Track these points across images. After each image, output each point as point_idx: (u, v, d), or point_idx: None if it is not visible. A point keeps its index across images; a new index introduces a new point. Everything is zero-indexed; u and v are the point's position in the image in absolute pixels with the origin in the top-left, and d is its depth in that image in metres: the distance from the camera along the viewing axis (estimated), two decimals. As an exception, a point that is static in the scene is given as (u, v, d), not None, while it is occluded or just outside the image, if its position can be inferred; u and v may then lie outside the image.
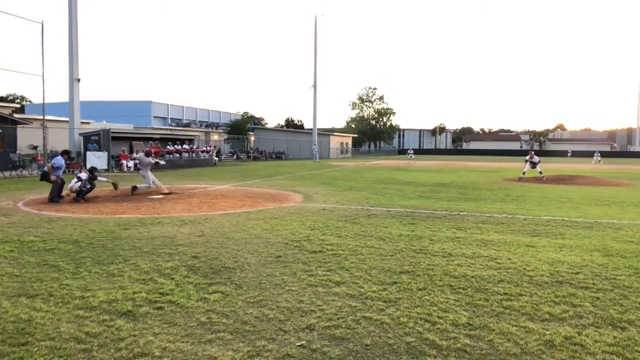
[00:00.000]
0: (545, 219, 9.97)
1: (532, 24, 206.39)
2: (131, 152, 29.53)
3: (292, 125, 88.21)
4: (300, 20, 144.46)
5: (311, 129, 59.26)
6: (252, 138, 62.21)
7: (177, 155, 33.07)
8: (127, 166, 27.01)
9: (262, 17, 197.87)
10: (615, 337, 3.78)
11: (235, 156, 50.70)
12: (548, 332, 3.87)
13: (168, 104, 75.39)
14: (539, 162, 23.52)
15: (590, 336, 3.80)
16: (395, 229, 8.47)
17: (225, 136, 59.85)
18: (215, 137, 55.73)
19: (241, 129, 64.26)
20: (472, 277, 5.45)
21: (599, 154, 50.13)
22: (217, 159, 38.48)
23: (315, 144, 51.78)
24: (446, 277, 5.44)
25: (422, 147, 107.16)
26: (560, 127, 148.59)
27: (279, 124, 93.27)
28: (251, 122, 73.28)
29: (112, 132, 28.66)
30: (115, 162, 27.55)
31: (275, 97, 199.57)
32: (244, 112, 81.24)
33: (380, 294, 4.78)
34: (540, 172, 22.63)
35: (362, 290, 4.91)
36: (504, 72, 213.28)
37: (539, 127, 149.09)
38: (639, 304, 4.60)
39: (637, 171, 32.87)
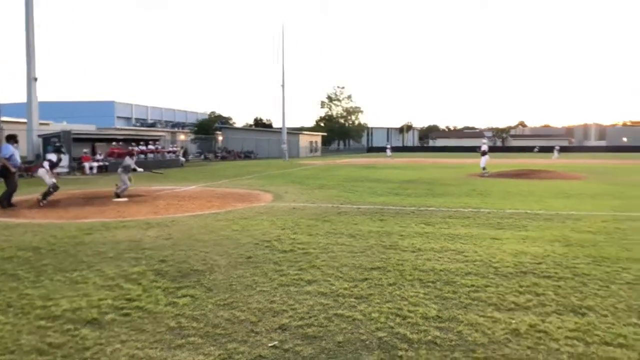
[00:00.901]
0: (508, 212, 10.24)
1: (492, 24, 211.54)
2: (94, 153, 28.73)
3: (260, 125, 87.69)
4: (268, 19, 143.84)
5: (280, 128, 59.08)
6: (220, 138, 61.52)
7: (143, 156, 32.38)
8: (89, 168, 26.26)
9: (228, 16, 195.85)
10: (576, 323, 3.93)
11: (202, 156, 50.05)
12: (514, 321, 3.98)
13: (132, 104, 73.75)
14: (487, 152, 23.10)
15: (553, 323, 3.93)
16: (365, 226, 8.53)
17: (192, 136, 58.98)
18: (182, 137, 54.87)
19: (208, 128, 63.44)
20: (441, 270, 5.55)
21: (558, 149, 51.77)
22: (184, 159, 37.89)
23: (284, 143, 51.58)
24: (416, 271, 5.52)
25: (386, 145, 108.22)
26: (522, 124, 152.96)
27: (247, 124, 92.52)
28: (219, 121, 72.44)
29: (73, 134, 27.78)
30: (77, 165, 26.72)
31: (243, 97, 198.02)
32: (211, 112, 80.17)
33: (351, 291, 4.81)
34: (484, 168, 22.38)
35: (334, 287, 4.93)
36: (467, 71, 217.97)
37: (501, 124, 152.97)
38: (597, 290, 4.79)
39: (593, 165, 34.20)
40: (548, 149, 63.02)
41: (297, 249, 6.73)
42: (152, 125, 70.62)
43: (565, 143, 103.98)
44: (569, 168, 28.18)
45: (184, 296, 4.70)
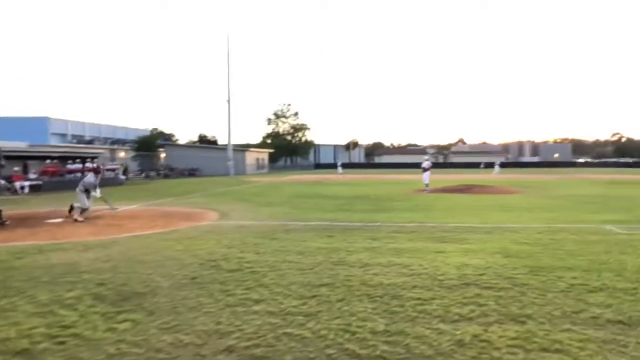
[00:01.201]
0: (451, 225, 10.59)
1: (430, 47, 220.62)
2: (25, 172, 27.15)
3: (205, 141, 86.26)
4: (212, 33, 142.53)
5: (226, 145, 58.39)
6: (163, 155, 59.93)
7: (79, 174, 30.94)
8: (20, 188, 24.76)
9: (170, 29, 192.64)
10: (516, 331, 4.09)
11: (144, 174, 48.48)
12: (458, 332, 4.10)
13: (68, 120, 70.51)
14: (429, 168, 23.43)
15: (495, 332, 4.08)
16: (313, 243, 8.54)
17: (133, 153, 57.10)
18: (122, 154, 53.01)
19: (150, 145, 61.64)
20: (388, 285, 5.64)
21: (499, 164, 54.38)
22: (124, 177, 36.54)
23: (230, 160, 50.84)
24: (363, 286, 5.57)
25: (336, 162, 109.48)
26: (461, 141, 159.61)
27: (191, 140, 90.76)
28: (161, 138, 70.64)
29: (3, 151, 26.09)
30: (6, 184, 25.11)
31: (187, 113, 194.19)
32: (153, 128, 78.14)
33: (300, 309, 4.78)
34: (427, 185, 22.66)
35: (282, 306, 4.88)
36: (410, 90, 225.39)
37: (442, 141, 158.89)
38: (535, 299, 5.03)
39: (528, 180, 36.13)
40: (492, 165, 65.81)
41: (244, 267, 6.63)
42: (90, 142, 67.80)
43: (502, 159, 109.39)
44: (506, 183, 29.60)
45: (125, 321, 4.50)
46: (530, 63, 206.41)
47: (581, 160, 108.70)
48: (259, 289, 5.54)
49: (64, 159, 31.91)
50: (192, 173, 52.70)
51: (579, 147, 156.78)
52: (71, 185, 26.66)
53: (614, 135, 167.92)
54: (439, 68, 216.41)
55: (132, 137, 77.08)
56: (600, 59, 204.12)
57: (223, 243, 8.64)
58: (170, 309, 4.86)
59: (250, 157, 66.00)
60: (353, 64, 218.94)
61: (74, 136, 69.38)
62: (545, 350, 3.74)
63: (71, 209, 12.59)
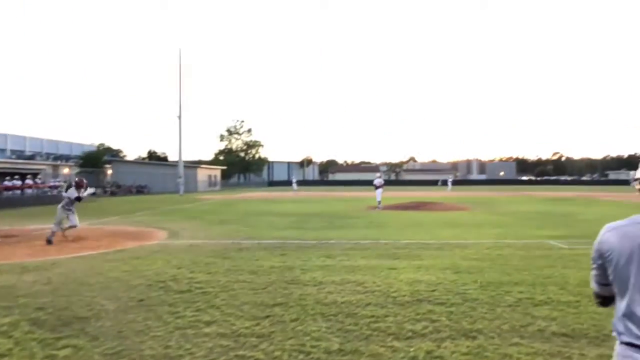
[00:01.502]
0: (404, 242, 10.76)
1: (382, 65, 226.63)
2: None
3: (155, 158, 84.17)
4: (163, 48, 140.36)
5: (176, 162, 57.14)
6: (110, 171, 57.88)
7: (19, 191, 29.34)
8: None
9: (119, 42, 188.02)
10: (468, 346, 4.17)
11: (89, 192, 46.57)
12: (412, 349, 4.12)
13: (7, 134, 66.95)
14: (381, 186, 23.74)
15: (447, 348, 4.14)
16: (266, 261, 8.43)
17: (78, 169, 54.81)
18: (66, 170, 50.78)
19: (96, 161, 59.45)
20: (342, 303, 5.62)
21: (451, 181, 56.35)
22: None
23: (180, 177, 49.55)
24: (318, 305, 5.54)
25: (290, 180, 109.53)
26: (413, 159, 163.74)
27: (140, 156, 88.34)
28: (108, 154, 68.30)
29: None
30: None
31: (136, 128, 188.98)
32: (100, 144, 75.54)
33: (253, 330, 4.68)
34: (379, 202, 23.01)
35: (234, 327, 4.76)
36: (362, 108, 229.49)
37: (394, 159, 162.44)
38: (485, 314, 5.15)
39: (476, 197, 37.39)
40: (446, 182, 67.77)
41: (195, 288, 6.44)
42: (31, 157, 64.56)
43: (451, 177, 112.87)
44: (455, 200, 30.51)
45: (65, 347, 4.24)
46: (477, 86, 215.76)
47: (525, 178, 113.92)
48: (210, 310, 5.39)
49: (1, 175, 30.19)
50: (140, 190, 51.12)
51: (522, 165, 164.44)
52: (8, 204, 25.22)
53: (554, 154, 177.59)
54: (391, 88, 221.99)
55: (77, 152, 74.10)
56: (542, 82, 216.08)
57: (172, 263, 8.38)
58: (115, 333, 4.64)
59: (202, 174, 64.86)
60: (307, 81, 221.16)
61: (13, 151, 65.88)
62: (495, 364, 3.82)
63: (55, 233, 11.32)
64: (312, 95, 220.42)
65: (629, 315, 1.71)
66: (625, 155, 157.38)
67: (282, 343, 4.31)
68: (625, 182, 74.67)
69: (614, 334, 1.77)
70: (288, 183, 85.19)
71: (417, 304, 5.58)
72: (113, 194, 46.20)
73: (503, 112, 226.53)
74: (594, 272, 1.92)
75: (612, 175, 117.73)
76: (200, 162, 79.15)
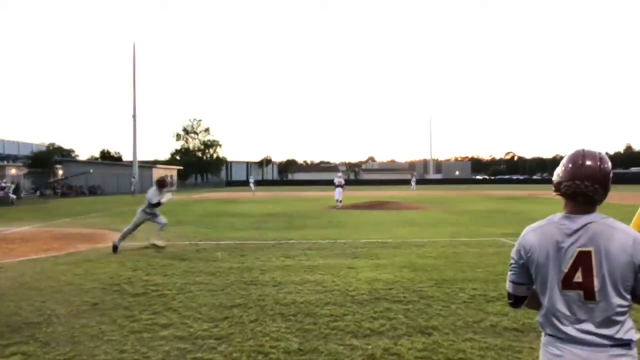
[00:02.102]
0: (362, 242, 10.90)
1: (342, 63, 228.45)
2: None
3: (108, 158, 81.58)
4: (116, 45, 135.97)
5: (131, 162, 55.56)
6: (60, 172, 55.63)
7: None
8: None
9: (69, 38, 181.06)
10: (424, 343, 4.29)
11: (38, 193, 44.65)
12: (370, 347, 4.20)
13: (-53, 134, 63.26)
14: (341, 185, 24.13)
15: (404, 345, 4.24)
16: (225, 263, 8.35)
17: (26, 170, 52.39)
18: (13, 171, 48.44)
19: (46, 161, 56.95)
20: (301, 302, 5.65)
21: (415, 181, 58.00)
22: (14, 196, 33.34)
23: (134, 176, 47.97)
24: (277, 305, 5.54)
25: (249, 179, 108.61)
26: (371, 159, 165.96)
27: (93, 156, 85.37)
28: (58, 154, 65.63)
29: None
30: None
31: (88, 127, 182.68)
32: (50, 143, 72.39)
33: (211, 332, 4.64)
34: (339, 201, 23.32)
35: (192, 330, 4.71)
36: (321, 107, 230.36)
37: (353, 159, 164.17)
38: (440, 310, 5.31)
39: (432, 196, 38.26)
40: (420, 182, 69.71)
41: (151, 291, 6.32)
42: (-26, 157, 61.20)
43: (408, 176, 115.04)
44: (413, 199, 31.13)
45: (14, 354, 4.08)
46: (434, 87, 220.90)
47: (479, 177, 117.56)
48: (166, 313, 5.30)
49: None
50: (93, 191, 49.40)
51: (477, 164, 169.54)
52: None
53: (507, 154, 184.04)
54: (351, 87, 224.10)
55: (25, 152, 70.82)
56: (496, 84, 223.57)
57: (127, 266, 8.17)
58: (68, 338, 4.49)
59: (158, 174, 63.35)
60: (266, 80, 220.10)
61: (-47, 150, 62.31)
62: (450, 359, 3.95)
63: (154, 245, 10.31)
64: (271, 95, 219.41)
65: (550, 310, 1.86)
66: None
67: (241, 344, 4.30)
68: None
69: (540, 328, 1.93)
70: (247, 183, 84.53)
71: (375, 302, 5.68)
72: (64, 194, 44.45)
73: (458, 113, 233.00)
74: (511, 272, 2.03)
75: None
76: (156, 162, 77.31)
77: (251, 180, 50.35)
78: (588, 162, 1.85)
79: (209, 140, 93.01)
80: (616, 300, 1.76)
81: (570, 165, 1.89)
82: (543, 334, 1.92)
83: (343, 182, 24.63)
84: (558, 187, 1.94)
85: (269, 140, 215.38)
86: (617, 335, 1.76)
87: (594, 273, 1.77)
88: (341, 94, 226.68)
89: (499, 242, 10.80)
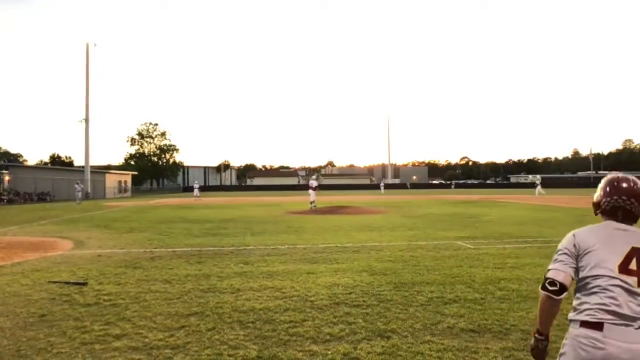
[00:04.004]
0: (321, 246, 10.92)
1: (302, 67, 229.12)
2: None
3: (58, 163, 78.41)
4: (68, 46, 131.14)
5: (82, 167, 53.63)
6: (7, 177, 53.00)
7: None
8: None
9: (16, 39, 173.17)
10: (383, 346, 4.33)
11: (-19, 200, 42.32)
12: (329, 352, 4.20)
13: None
14: (316, 188, 27.17)
15: (364, 349, 4.26)
16: (182, 270, 8.18)
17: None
18: (-48, 177, 45.74)
19: (-10, 167, 54.17)
20: (260, 309, 5.60)
21: (383, 185, 59.40)
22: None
23: (78, 182, 43.07)
24: (235, 313, 5.46)
25: (207, 184, 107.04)
26: (330, 164, 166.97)
27: (42, 161, 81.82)
28: (5, 159, 62.54)
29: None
30: None
31: (37, 131, 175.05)
32: (-6, 148, 68.98)
33: (167, 341, 4.52)
34: (312, 202, 26.02)
35: (147, 340, 4.57)
36: (282, 112, 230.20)
37: (313, 164, 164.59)
38: (399, 314, 5.37)
39: (390, 200, 38.83)
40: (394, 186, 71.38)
41: (103, 301, 6.09)
42: None
43: (367, 181, 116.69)
44: (371, 204, 31.50)
45: (-49, 373, 3.83)
46: (391, 91, 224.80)
47: (435, 182, 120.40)
48: (120, 323, 5.12)
49: None
50: (42, 198, 47.32)
51: (433, 169, 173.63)
52: None
53: (462, 159, 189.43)
54: (310, 92, 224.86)
55: (-35, 156, 67.10)
56: (451, 90, 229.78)
57: (78, 275, 7.86)
58: (13, 352, 4.26)
59: (111, 180, 61.45)
60: (224, 85, 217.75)
61: None
62: (408, 361, 4.00)
63: None
64: (229, 99, 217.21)
65: (604, 293, 1.99)
66: (525, 159, 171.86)
67: (198, 353, 4.21)
68: (525, 185, 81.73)
69: (574, 318, 2.04)
70: (205, 189, 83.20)
71: (335, 307, 5.69)
72: (11, 201, 42.33)
73: (415, 118, 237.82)
74: (561, 261, 2.12)
75: (513, 178, 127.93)
76: (109, 167, 74.96)
77: (195, 185, 47.04)
78: (623, 184, 2.17)
79: (165, 145, 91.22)
80: None
81: (608, 187, 2.20)
82: (573, 327, 2.02)
83: (315, 184, 28.13)
84: (598, 206, 2.24)
85: (227, 144, 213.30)
86: None
87: None
88: (300, 98, 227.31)
89: (455, 245, 11.07)
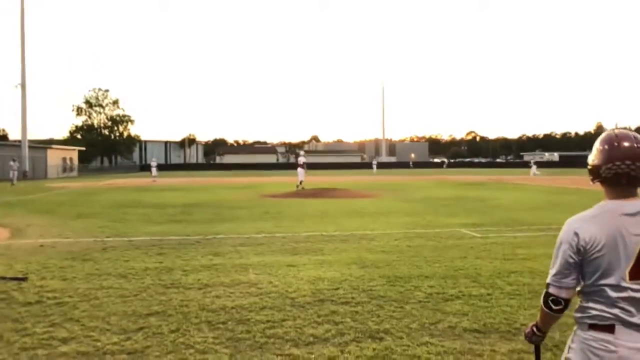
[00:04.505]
0: (304, 235, 11.00)
1: (273, 27, 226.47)
2: None
3: (-11, 136, 77.00)
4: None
5: (18, 141, 52.78)
6: None
7: None
8: None
9: None
10: (374, 349, 4.41)
11: None
12: (313, 356, 4.27)
13: None
14: (303, 165, 27.64)
15: (352, 352, 4.34)
16: (139, 263, 8.18)
17: None
18: None
19: None
20: (233, 308, 5.64)
21: (376, 164, 60.25)
22: None
23: (14, 159, 40.86)
24: (203, 312, 5.50)
25: (169, 162, 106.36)
26: (315, 139, 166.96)
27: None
28: None
29: None
30: None
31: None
32: None
33: (122, 345, 4.54)
34: (300, 183, 26.39)
35: (99, 344, 4.58)
36: (257, 80, 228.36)
37: (294, 139, 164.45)
38: (393, 312, 5.47)
39: (385, 182, 39.08)
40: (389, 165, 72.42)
41: (47, 299, 6.08)
42: None
43: (357, 159, 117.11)
44: (362, 186, 31.66)
45: None
46: (386, 55, 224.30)
47: (437, 160, 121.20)
48: (67, 324, 5.13)
49: None
50: (-31, 177, 46.55)
51: (435, 146, 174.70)
52: None
53: (468, 133, 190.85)
54: (291, 55, 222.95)
55: None
56: (455, 55, 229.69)
57: (16, 268, 7.83)
58: (-63, 361, 4.25)
59: (54, 156, 60.69)
60: (190, 47, 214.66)
61: None
62: (403, 366, 4.08)
63: None
64: (196, 63, 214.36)
65: (616, 302, 2.00)
66: (541, 134, 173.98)
67: (160, 359, 4.24)
68: (542, 165, 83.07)
69: (582, 320, 2.08)
70: (165, 167, 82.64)
71: (319, 304, 5.76)
72: None
73: (413, 88, 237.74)
74: (563, 276, 2.12)
75: (527, 156, 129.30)
76: (51, 142, 73.87)
77: (153, 163, 45.83)
78: (625, 143, 2.00)
79: (118, 115, 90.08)
80: None
81: (606, 147, 2.04)
82: (581, 329, 2.06)
83: (303, 161, 28.51)
84: (597, 173, 2.08)
85: (193, 116, 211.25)
86: None
87: None
88: (279, 62, 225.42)
89: (459, 233, 11.23)
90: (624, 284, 1.96)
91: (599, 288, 2.01)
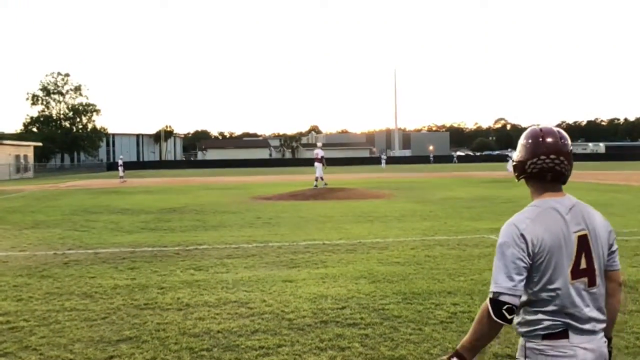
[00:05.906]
0: (303, 244, 11.00)
1: (266, 4, 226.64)
2: None
3: None
4: None
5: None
6: None
7: None
8: None
9: None
10: (388, 380, 4.39)
11: None
12: (315, 389, 4.26)
13: None
14: (320, 159, 27.73)
15: (361, 384, 4.33)
16: (108, 279, 8.19)
17: None
18: None
19: None
20: (219, 331, 5.64)
21: (385, 158, 60.72)
22: None
23: None
24: (184, 337, 5.50)
25: (141, 159, 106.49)
26: (315, 130, 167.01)
27: None
28: None
29: None
30: None
31: None
32: None
33: (88, 378, 4.54)
34: (320, 179, 27.08)
35: (60, 376, 4.59)
36: (244, 62, 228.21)
37: (290, 130, 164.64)
38: (410, 335, 5.46)
39: (397, 180, 39.03)
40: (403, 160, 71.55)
41: (-2, 323, 6.10)
42: None
43: (366, 153, 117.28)
44: (371, 184, 31.63)
45: None
46: (399, 34, 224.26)
47: (460, 153, 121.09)
48: (22, 353, 5.15)
49: None
50: None
51: (457, 136, 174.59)
52: None
53: (497, 121, 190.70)
54: (286, 37, 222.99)
55: None
56: (483, 34, 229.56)
57: (-39, 288, 7.83)
58: None
59: (5, 153, 60.74)
60: (165, 27, 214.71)
61: None
62: (422, 399, 4.07)
63: None
64: (173, 45, 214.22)
65: (562, 306, 2.19)
66: (584, 121, 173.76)
67: (133, 394, 4.24)
68: (581, 157, 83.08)
69: (529, 333, 2.24)
70: (138, 165, 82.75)
71: (322, 327, 5.75)
72: None
73: (431, 70, 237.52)
74: (515, 283, 2.21)
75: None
76: (2, 137, 74.01)
77: (119, 161, 46.68)
78: (549, 139, 2.27)
79: (80, 104, 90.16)
80: (603, 282, 2.26)
81: (530, 142, 2.31)
82: (532, 341, 2.20)
83: (320, 154, 27.91)
84: (522, 169, 2.35)
85: (169, 106, 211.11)
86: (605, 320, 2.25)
87: (593, 256, 2.22)
88: (272, 44, 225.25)
89: (487, 240, 11.22)
90: (569, 285, 2.16)
91: (547, 294, 2.17)
